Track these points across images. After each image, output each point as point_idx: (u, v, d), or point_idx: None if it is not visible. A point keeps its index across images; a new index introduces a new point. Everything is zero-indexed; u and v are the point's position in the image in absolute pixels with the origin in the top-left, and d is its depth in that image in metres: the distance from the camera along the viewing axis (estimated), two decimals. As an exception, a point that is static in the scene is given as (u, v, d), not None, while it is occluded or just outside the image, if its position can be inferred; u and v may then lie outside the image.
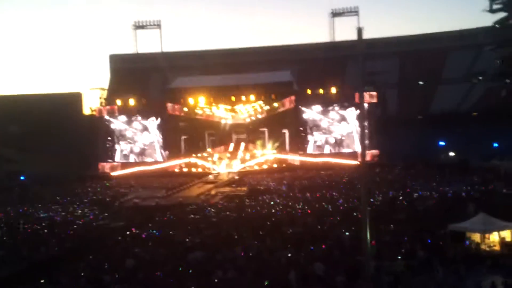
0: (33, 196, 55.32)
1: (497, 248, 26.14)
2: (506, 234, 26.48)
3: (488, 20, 74.50)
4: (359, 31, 19.83)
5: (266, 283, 21.15)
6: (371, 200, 37.94)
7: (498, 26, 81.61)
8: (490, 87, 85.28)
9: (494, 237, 26.40)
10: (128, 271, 24.33)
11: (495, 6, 61.89)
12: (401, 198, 41.37)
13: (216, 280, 22.05)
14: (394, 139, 71.54)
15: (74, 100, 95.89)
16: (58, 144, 76.73)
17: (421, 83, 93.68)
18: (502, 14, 62.61)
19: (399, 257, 24.13)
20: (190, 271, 23.56)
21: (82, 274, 24.49)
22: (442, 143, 71.05)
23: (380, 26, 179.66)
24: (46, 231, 35.03)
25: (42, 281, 23.26)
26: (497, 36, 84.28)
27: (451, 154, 67.56)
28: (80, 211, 44.18)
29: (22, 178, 70.04)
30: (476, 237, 26.43)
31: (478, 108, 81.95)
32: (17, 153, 76.58)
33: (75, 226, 36.78)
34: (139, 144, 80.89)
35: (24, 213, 44.09)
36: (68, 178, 67.26)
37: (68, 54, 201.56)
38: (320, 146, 78.75)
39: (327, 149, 78.49)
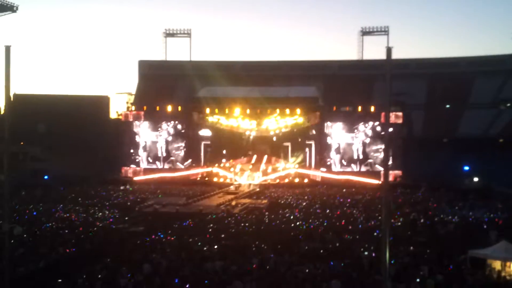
0: (55, 195, 55.88)
1: (517, 277, 25.76)
2: (528, 263, 26.11)
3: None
4: (388, 50, 19.76)
5: None
6: (392, 220, 37.66)
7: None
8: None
9: (515, 266, 26.04)
10: (145, 275, 24.42)
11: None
12: (422, 220, 41.03)
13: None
14: (418, 160, 71.06)
15: (101, 103, 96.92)
16: (83, 146, 77.51)
17: (448, 106, 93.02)
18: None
19: (418, 280, 23.91)
20: (206, 281, 23.56)
21: (99, 276, 24.62)
22: (466, 167, 70.42)
23: (409, 47, 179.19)
24: (66, 231, 35.30)
25: (59, 280, 23.37)
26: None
27: (475, 179, 66.89)
28: (100, 214, 44.46)
29: (45, 177, 70.82)
30: (497, 264, 26.07)
31: (505, 134, 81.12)
32: (43, 152, 77.44)
33: (95, 228, 37.02)
34: (162, 151, 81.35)
35: (45, 212, 44.46)
36: (91, 180, 67.86)
37: (99, 58, 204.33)
38: (342, 164, 78.49)
39: (350, 167, 78.24)
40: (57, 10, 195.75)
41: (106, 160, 76.68)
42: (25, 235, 33.22)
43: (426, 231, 36.28)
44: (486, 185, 62.04)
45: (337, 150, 78.73)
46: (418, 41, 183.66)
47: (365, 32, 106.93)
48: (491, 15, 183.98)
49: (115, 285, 22.93)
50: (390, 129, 68.48)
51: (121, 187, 66.51)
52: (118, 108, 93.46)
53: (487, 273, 25.78)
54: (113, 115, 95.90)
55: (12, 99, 77.62)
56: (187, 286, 22.58)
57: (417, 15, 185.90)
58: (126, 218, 42.38)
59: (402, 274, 24.37)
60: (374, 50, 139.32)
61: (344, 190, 64.39)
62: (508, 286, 24.78)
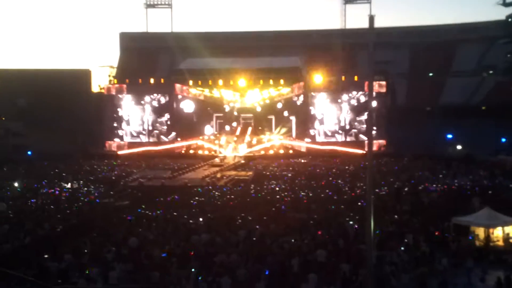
0: (39, 171, 55.55)
1: (500, 243, 26.13)
2: (510, 230, 26.45)
3: (501, 13, 74.06)
4: (371, 19, 19.60)
5: None
6: (376, 190, 37.92)
7: (510, 20, 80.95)
8: (501, 81, 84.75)
9: (498, 232, 26.38)
10: (131, 249, 24.46)
11: (508, 0, 61.23)
12: (406, 189, 41.35)
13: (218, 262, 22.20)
14: (402, 130, 71.37)
15: (83, 76, 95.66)
16: (65, 120, 76.76)
17: (431, 74, 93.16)
18: (515, 8, 62.24)
19: (402, 248, 24.19)
20: (193, 252, 23.68)
21: (86, 251, 24.64)
22: (450, 136, 70.89)
23: (392, 15, 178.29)
24: (51, 207, 35.16)
25: (46, 256, 23.36)
26: (510, 30, 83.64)
27: (459, 147, 67.41)
28: (85, 189, 44.31)
29: (29, 153, 70.28)
30: (480, 231, 26.42)
31: (488, 102, 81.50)
32: (25, 127, 76.65)
33: (80, 203, 36.91)
34: (146, 124, 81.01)
35: (29, 188, 44.21)
36: (74, 155, 67.46)
37: (78, 31, 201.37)
38: (327, 134, 78.76)
39: (334, 137, 78.52)
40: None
41: (89, 135, 76.14)
42: (9, 212, 33.10)
43: (410, 199, 36.59)
44: (469, 153, 62.52)
45: (321, 121, 78.98)
46: (401, 9, 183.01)
47: (347, 1, 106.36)
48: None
49: (101, 260, 22.94)
50: (374, 99, 68.82)
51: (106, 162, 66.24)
52: (100, 81, 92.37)
53: (471, 239, 26.13)
54: (95, 88, 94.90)
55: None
56: (174, 259, 22.64)
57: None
58: (112, 193, 42.29)
59: (387, 242, 24.61)
60: (357, 19, 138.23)
61: (327, 164, 64.27)
62: (492, 252, 25.14)
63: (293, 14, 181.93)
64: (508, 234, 26.30)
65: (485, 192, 38.15)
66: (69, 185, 45.70)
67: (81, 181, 48.24)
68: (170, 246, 24.81)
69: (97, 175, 54.08)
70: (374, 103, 70.69)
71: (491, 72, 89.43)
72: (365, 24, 20.68)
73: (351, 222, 28.95)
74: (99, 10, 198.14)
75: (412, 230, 27.23)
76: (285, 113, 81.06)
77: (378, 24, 21.10)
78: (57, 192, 42.14)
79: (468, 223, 26.74)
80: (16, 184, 45.21)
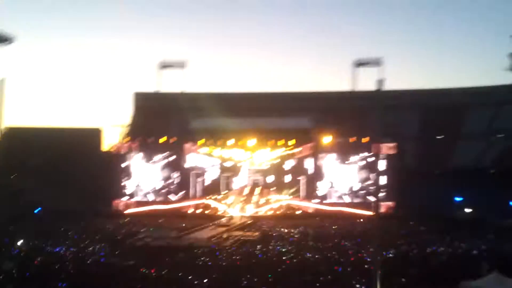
0: (46, 229, 55.44)
1: (509, 309, 25.67)
2: (519, 295, 26.03)
3: (510, 78, 74.89)
4: (380, 82, 20.01)
5: None
6: (384, 252, 37.57)
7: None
8: (510, 145, 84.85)
9: (506, 298, 25.95)
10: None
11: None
12: (414, 251, 40.94)
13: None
14: (411, 192, 71.08)
15: (93, 135, 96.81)
16: (75, 179, 77.21)
17: (439, 137, 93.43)
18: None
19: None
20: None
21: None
22: (458, 199, 70.51)
23: (402, 78, 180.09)
24: (56, 266, 35.00)
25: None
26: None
27: (467, 210, 66.94)
28: (91, 248, 44.14)
29: (36, 211, 70.38)
30: (489, 297, 26.00)
31: (497, 165, 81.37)
32: (36, 185, 76.99)
33: (85, 263, 36.73)
34: (154, 183, 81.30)
35: (36, 247, 44.07)
36: (82, 214, 67.41)
37: (94, 90, 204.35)
38: (335, 195, 78.58)
39: (342, 199, 78.33)
40: (52, 42, 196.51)
41: (98, 193, 76.28)
42: (14, 271, 32.95)
43: (418, 262, 36.17)
44: (478, 216, 62.09)
45: (329, 182, 78.96)
46: (411, 72, 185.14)
47: (358, 64, 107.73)
48: (483, 47, 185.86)
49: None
50: (382, 161, 68.94)
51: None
52: (111, 140, 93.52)
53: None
54: (106, 147, 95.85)
55: (4, 131, 77.65)
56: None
57: (410, 47, 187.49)
58: (117, 252, 42.10)
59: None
60: (368, 81, 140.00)
61: (335, 226, 63.87)
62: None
63: (304, 76, 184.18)
64: (517, 299, 25.87)
65: (493, 257, 37.67)
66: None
67: (87, 241, 48.05)
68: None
69: (103, 234, 53.90)
70: (382, 165, 70.87)
71: (500, 136, 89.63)
72: (374, 87, 21.08)
73: (358, 285, 28.62)
74: (114, 70, 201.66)
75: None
76: (294, 174, 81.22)
77: (388, 86, 21.51)
78: (62, 251, 42.01)
79: (477, 288, 26.37)
80: (21, 242, 45.08)
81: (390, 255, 39.18)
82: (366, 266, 33.17)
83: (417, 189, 71.40)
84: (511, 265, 33.14)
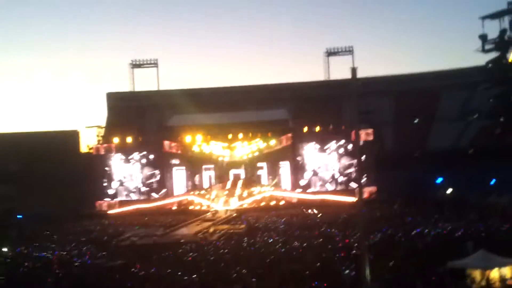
0: (30, 235, 55.01)
1: (497, 284, 26.07)
2: (507, 271, 26.44)
3: (482, 59, 75.90)
4: (353, 70, 20.13)
5: None
6: (370, 236, 37.87)
7: (490, 65, 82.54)
8: (485, 125, 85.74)
9: (494, 274, 26.35)
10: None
11: (487, 47, 62.92)
12: (399, 235, 41.33)
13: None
14: (391, 176, 71.73)
15: (71, 138, 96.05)
16: (55, 182, 76.65)
17: (416, 121, 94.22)
18: (494, 54, 63.91)
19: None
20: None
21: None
22: (439, 180, 71.25)
23: (374, 65, 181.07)
24: (43, 270, 34.79)
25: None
26: (490, 75, 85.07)
27: (449, 191, 67.68)
28: (76, 250, 43.91)
29: (19, 216, 69.73)
30: (477, 274, 26.37)
31: (474, 145, 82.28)
32: (15, 191, 76.31)
33: (72, 265, 36.55)
34: (136, 182, 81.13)
35: (21, 253, 43.76)
36: (65, 217, 66.93)
37: (65, 92, 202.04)
38: (317, 184, 79.05)
39: (324, 187, 78.82)
40: (20, 44, 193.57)
41: (79, 195, 75.81)
42: (2, 278, 32.71)
43: (404, 245, 36.55)
44: (459, 195, 62.80)
45: (311, 170, 79.39)
46: (383, 58, 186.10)
47: (330, 53, 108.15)
48: (454, 30, 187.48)
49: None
50: (361, 147, 69.35)
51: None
52: (88, 141, 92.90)
53: (468, 283, 26.07)
54: (84, 149, 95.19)
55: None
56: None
57: (380, 34, 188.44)
58: (103, 253, 41.95)
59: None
60: (340, 70, 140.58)
61: (319, 212, 64.33)
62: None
63: (277, 67, 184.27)
64: (504, 275, 26.28)
65: (478, 235, 38.19)
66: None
67: (72, 243, 47.77)
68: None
69: (88, 235, 53.64)
70: (362, 151, 71.32)
71: (475, 116, 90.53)
72: (348, 75, 21.21)
73: (346, 271, 28.83)
74: (86, 71, 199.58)
75: (408, 276, 27.14)
76: (275, 165, 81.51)
77: (361, 74, 21.65)
78: (48, 255, 41.76)
79: (464, 266, 26.72)
80: (5, 249, 44.72)
81: (377, 239, 39.52)
82: (353, 251, 33.46)
83: (397, 173, 72.04)
84: (495, 242, 33.70)
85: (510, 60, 54.82)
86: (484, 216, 48.48)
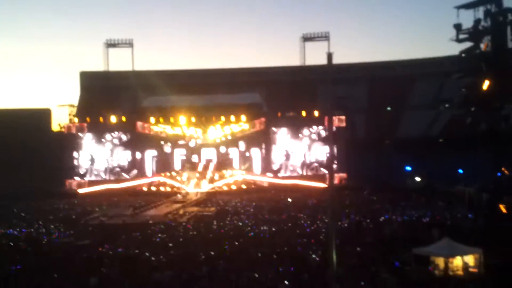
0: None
1: (460, 272, 26.53)
2: (469, 259, 26.91)
3: (455, 48, 76.41)
4: (329, 56, 20.15)
5: None
6: (338, 223, 38.27)
7: (464, 55, 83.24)
8: (456, 114, 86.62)
9: (457, 262, 26.79)
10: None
11: (461, 36, 63.33)
12: (367, 221, 41.82)
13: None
14: (363, 163, 72.37)
15: (43, 116, 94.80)
16: (25, 160, 75.90)
17: (388, 108, 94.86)
18: (468, 44, 64.38)
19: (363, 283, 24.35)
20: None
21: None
22: (408, 168, 72.02)
23: (350, 51, 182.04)
24: (10, 247, 34.53)
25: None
26: (463, 65, 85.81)
27: (417, 179, 68.49)
28: (45, 229, 43.61)
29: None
30: (440, 261, 26.78)
31: (445, 134, 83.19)
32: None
33: (39, 243, 36.31)
34: (107, 162, 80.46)
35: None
36: (35, 195, 66.28)
37: (38, 70, 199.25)
38: (288, 168, 79.37)
39: (296, 172, 79.20)
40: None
41: (49, 174, 75.05)
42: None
43: (371, 231, 37.01)
44: (428, 184, 63.61)
45: (283, 155, 79.66)
46: (359, 45, 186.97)
47: (306, 38, 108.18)
48: (429, 19, 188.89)
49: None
50: (334, 133, 69.70)
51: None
52: (60, 120, 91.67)
53: (430, 269, 26.49)
54: (55, 127, 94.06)
55: None
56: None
57: (356, 21, 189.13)
58: (72, 232, 41.73)
59: (350, 275, 24.80)
60: (316, 56, 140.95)
61: (290, 198, 64.56)
62: (451, 282, 25.50)
63: (253, 52, 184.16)
64: (467, 263, 26.74)
65: (444, 223, 38.82)
66: None
67: (40, 221, 47.38)
68: (132, 284, 24.57)
69: (57, 214, 53.25)
70: (334, 137, 71.73)
71: (447, 105, 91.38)
72: (324, 61, 21.28)
73: (313, 256, 29.12)
74: (59, 49, 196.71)
75: (374, 261, 27.51)
76: (247, 149, 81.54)
77: (336, 60, 21.75)
78: (16, 232, 41.42)
79: (428, 253, 27.13)
80: None
81: (345, 225, 39.95)
82: (321, 236, 33.79)
83: (368, 160, 72.72)
84: (460, 230, 34.31)
85: (483, 50, 55.29)
86: (451, 205, 49.29)
